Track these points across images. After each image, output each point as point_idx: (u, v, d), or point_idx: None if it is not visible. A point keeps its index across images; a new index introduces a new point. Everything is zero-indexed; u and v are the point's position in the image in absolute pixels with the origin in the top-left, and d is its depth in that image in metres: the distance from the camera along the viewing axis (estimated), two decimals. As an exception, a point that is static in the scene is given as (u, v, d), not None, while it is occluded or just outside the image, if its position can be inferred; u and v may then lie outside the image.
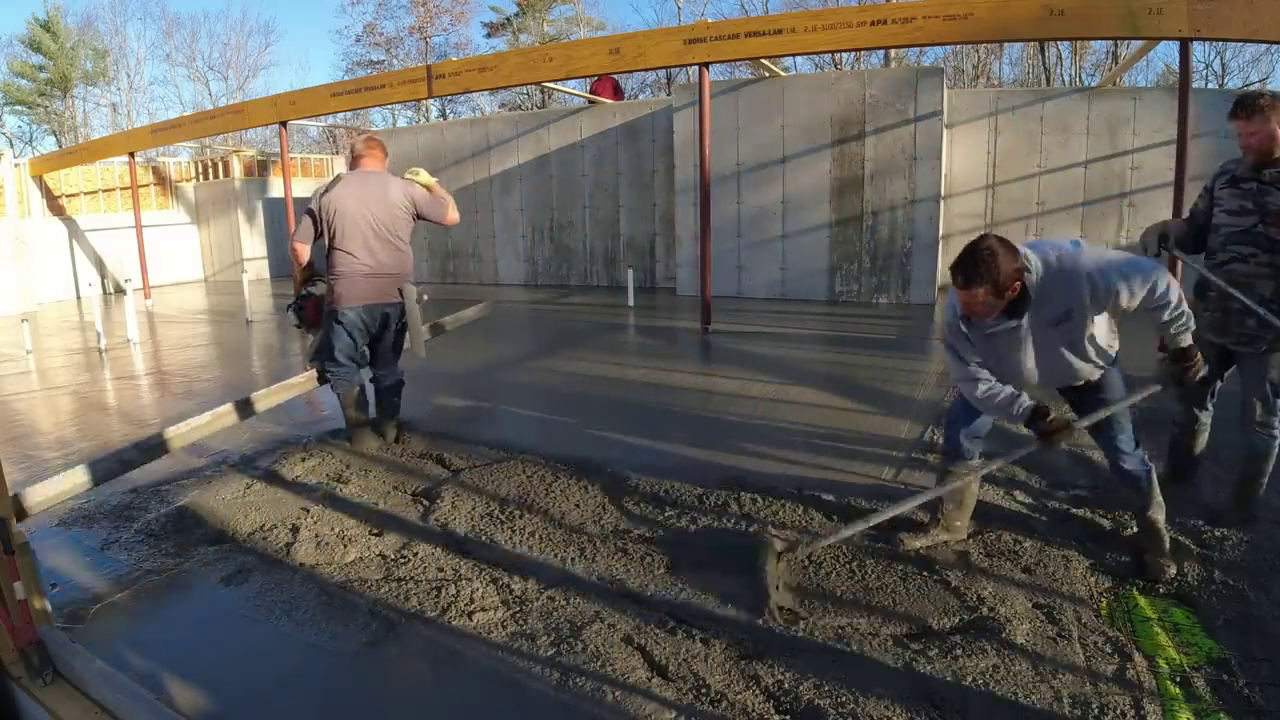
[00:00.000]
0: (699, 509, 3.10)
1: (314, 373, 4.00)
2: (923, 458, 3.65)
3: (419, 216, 3.94)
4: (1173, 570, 2.47)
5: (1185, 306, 2.29)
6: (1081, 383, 2.54)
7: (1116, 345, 2.52)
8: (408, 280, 3.93)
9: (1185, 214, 3.04)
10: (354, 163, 3.95)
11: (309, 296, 4.04)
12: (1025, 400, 2.39)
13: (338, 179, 3.82)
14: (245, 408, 3.69)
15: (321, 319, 3.94)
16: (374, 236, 3.79)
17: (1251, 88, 19.71)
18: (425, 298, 3.99)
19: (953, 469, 2.76)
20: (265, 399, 3.80)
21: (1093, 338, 2.38)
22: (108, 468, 3.02)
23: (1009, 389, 2.41)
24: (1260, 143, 2.61)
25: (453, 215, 4.05)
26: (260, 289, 12.13)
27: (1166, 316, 2.28)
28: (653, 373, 5.75)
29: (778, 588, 2.44)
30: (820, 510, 3.04)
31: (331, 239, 3.78)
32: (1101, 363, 2.46)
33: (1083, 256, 2.28)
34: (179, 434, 3.30)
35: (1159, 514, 2.54)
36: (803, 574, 2.58)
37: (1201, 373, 2.41)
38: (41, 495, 2.73)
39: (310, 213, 3.80)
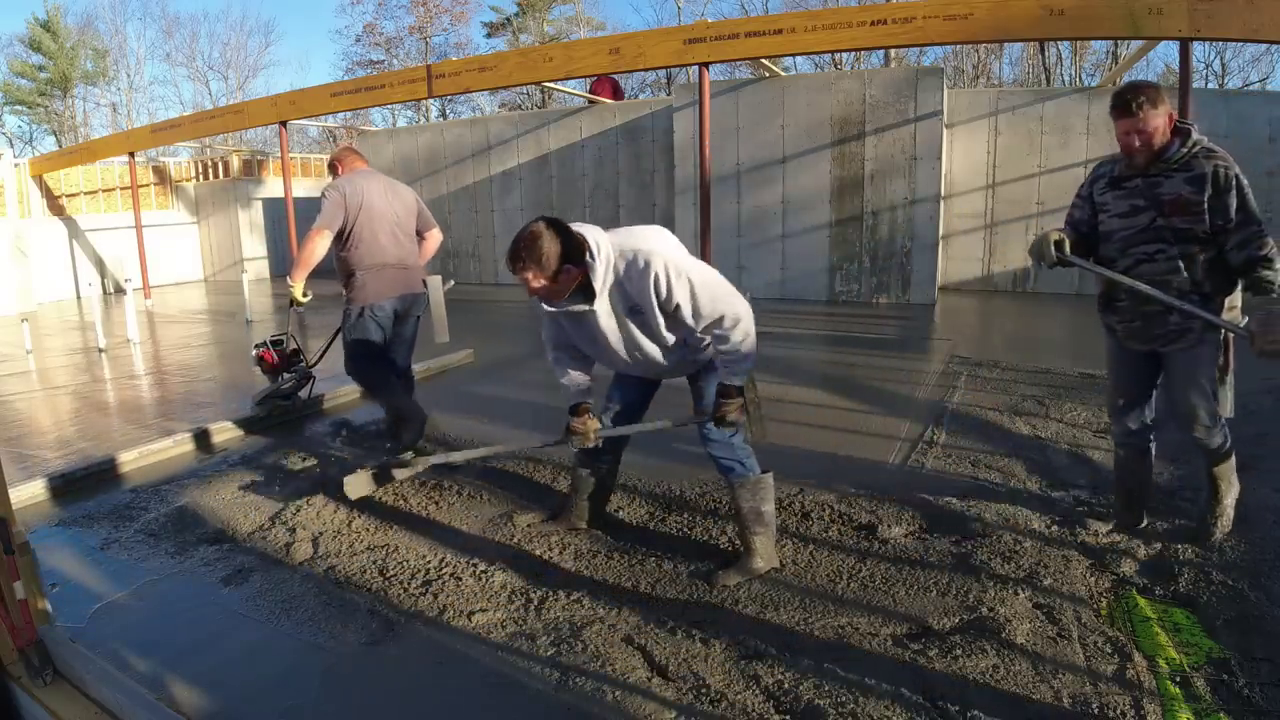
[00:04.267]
0: (699, 508, 3.10)
1: None
2: (922, 458, 3.65)
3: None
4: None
5: (746, 351, 2.31)
6: (676, 375, 2.57)
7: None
8: (423, 272, 3.91)
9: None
10: (347, 167, 3.79)
11: (275, 345, 4.03)
12: (572, 397, 2.58)
13: (350, 177, 3.68)
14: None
15: (343, 327, 3.76)
16: (399, 231, 3.75)
17: (1251, 88, 19.71)
18: (452, 283, 3.97)
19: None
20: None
21: (689, 335, 2.39)
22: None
23: (575, 378, 2.58)
24: (1151, 139, 2.39)
25: (439, 236, 4.02)
26: (260, 289, 12.13)
27: (722, 349, 2.32)
28: (653, 373, 5.74)
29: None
30: (820, 510, 3.04)
31: (357, 234, 3.62)
32: (696, 359, 2.49)
33: (666, 260, 2.22)
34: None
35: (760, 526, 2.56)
36: (803, 573, 2.58)
37: (734, 418, 2.41)
38: None
39: (335, 201, 3.57)
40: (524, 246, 2.14)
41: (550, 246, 2.14)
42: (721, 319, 2.26)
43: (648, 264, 2.19)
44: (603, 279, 2.22)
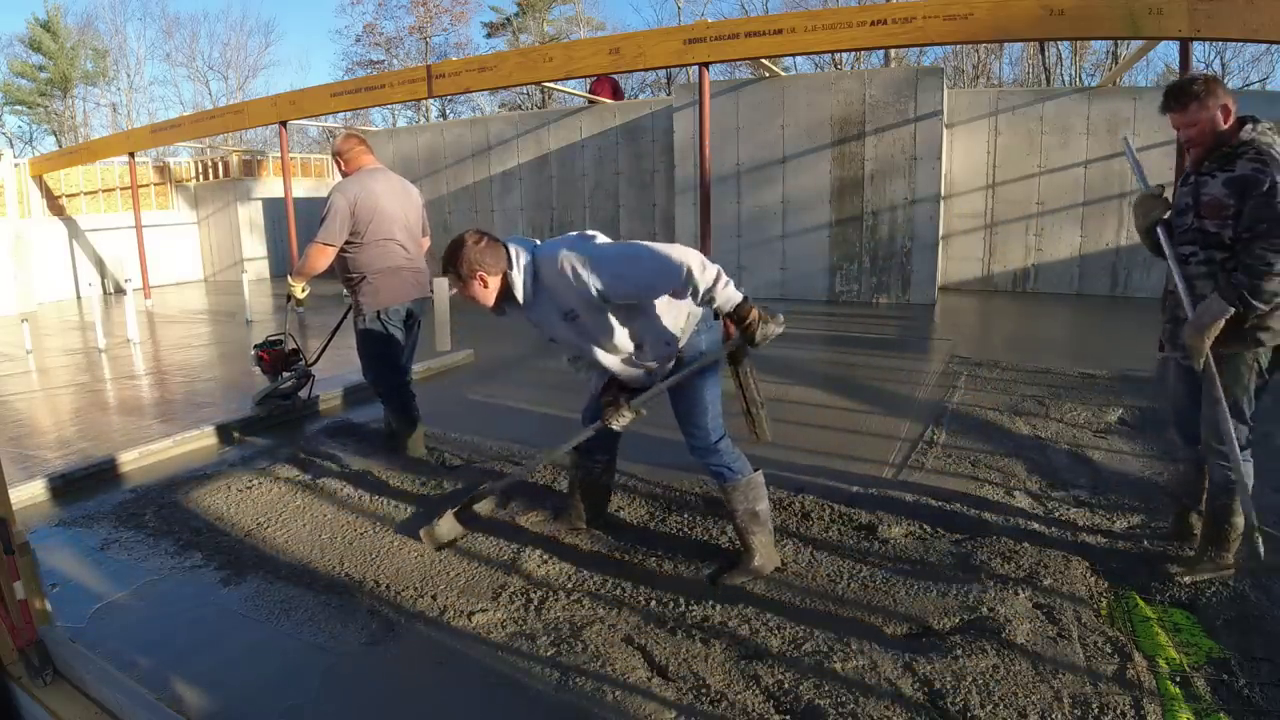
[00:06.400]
0: (699, 509, 3.10)
1: None
2: (922, 458, 3.65)
3: None
4: None
5: (714, 283, 2.17)
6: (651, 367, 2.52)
7: (689, 326, 2.47)
8: (428, 274, 3.85)
9: None
10: (353, 162, 3.69)
11: (273, 346, 4.02)
12: (593, 387, 2.68)
13: (358, 178, 3.62)
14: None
15: (359, 338, 3.71)
16: (409, 232, 3.70)
17: (1251, 88, 19.71)
18: (455, 290, 3.96)
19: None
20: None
21: (645, 329, 2.39)
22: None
23: (592, 381, 2.68)
24: (1200, 134, 2.27)
25: (427, 244, 3.95)
26: (260, 289, 12.13)
27: (700, 299, 2.22)
28: (653, 373, 5.74)
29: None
30: (820, 510, 3.04)
31: (367, 237, 3.55)
32: (656, 353, 2.46)
33: (572, 256, 2.23)
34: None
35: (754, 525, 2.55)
36: (803, 573, 2.58)
37: (761, 331, 2.22)
38: None
39: (340, 212, 3.50)
40: (446, 256, 2.33)
41: (468, 257, 2.27)
42: (663, 271, 2.20)
43: (559, 265, 2.25)
44: (521, 285, 2.31)
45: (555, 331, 2.42)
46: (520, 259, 2.30)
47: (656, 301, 2.37)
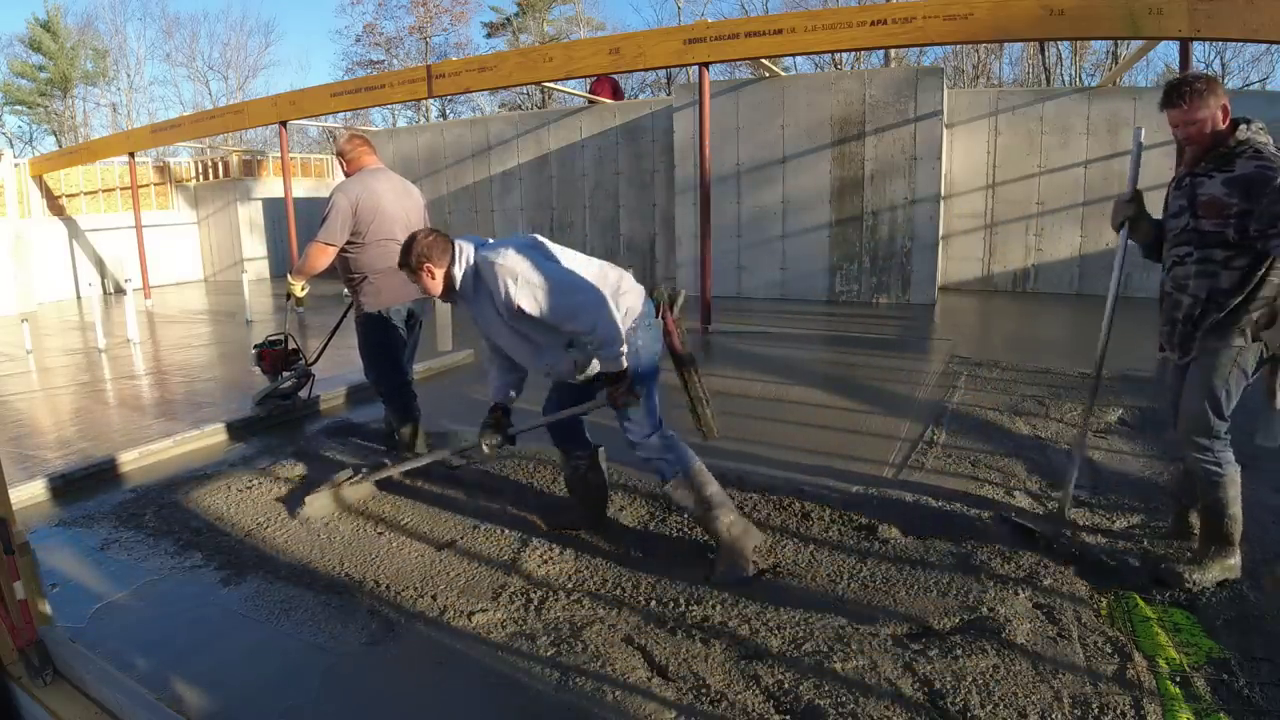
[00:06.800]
0: (699, 509, 3.10)
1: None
2: (922, 458, 3.65)
3: None
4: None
5: (605, 337, 2.40)
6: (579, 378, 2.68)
7: (626, 323, 2.55)
8: None
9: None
10: (356, 162, 3.69)
11: (273, 345, 4.01)
12: (492, 397, 2.87)
13: (360, 178, 3.61)
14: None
15: (360, 337, 3.72)
16: (410, 233, 3.70)
17: (1251, 88, 19.71)
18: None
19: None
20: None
21: (549, 340, 2.56)
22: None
23: (494, 379, 2.85)
24: (1199, 133, 2.25)
25: None
26: (260, 289, 12.13)
27: (586, 342, 2.47)
28: (653, 373, 5.74)
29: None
30: (820, 510, 3.04)
31: (369, 237, 3.54)
32: (588, 355, 2.58)
33: (512, 269, 2.41)
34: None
35: None
36: (803, 573, 2.58)
37: (627, 402, 2.52)
38: None
39: (342, 211, 3.49)
40: (400, 250, 2.60)
41: (417, 249, 2.53)
42: (574, 315, 2.42)
43: (494, 269, 2.45)
44: (460, 280, 2.55)
45: (490, 328, 2.61)
46: (463, 255, 2.53)
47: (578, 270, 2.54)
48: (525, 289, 2.40)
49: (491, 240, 2.61)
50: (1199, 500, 2.49)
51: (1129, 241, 2.62)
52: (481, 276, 2.49)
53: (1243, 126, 2.24)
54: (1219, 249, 2.26)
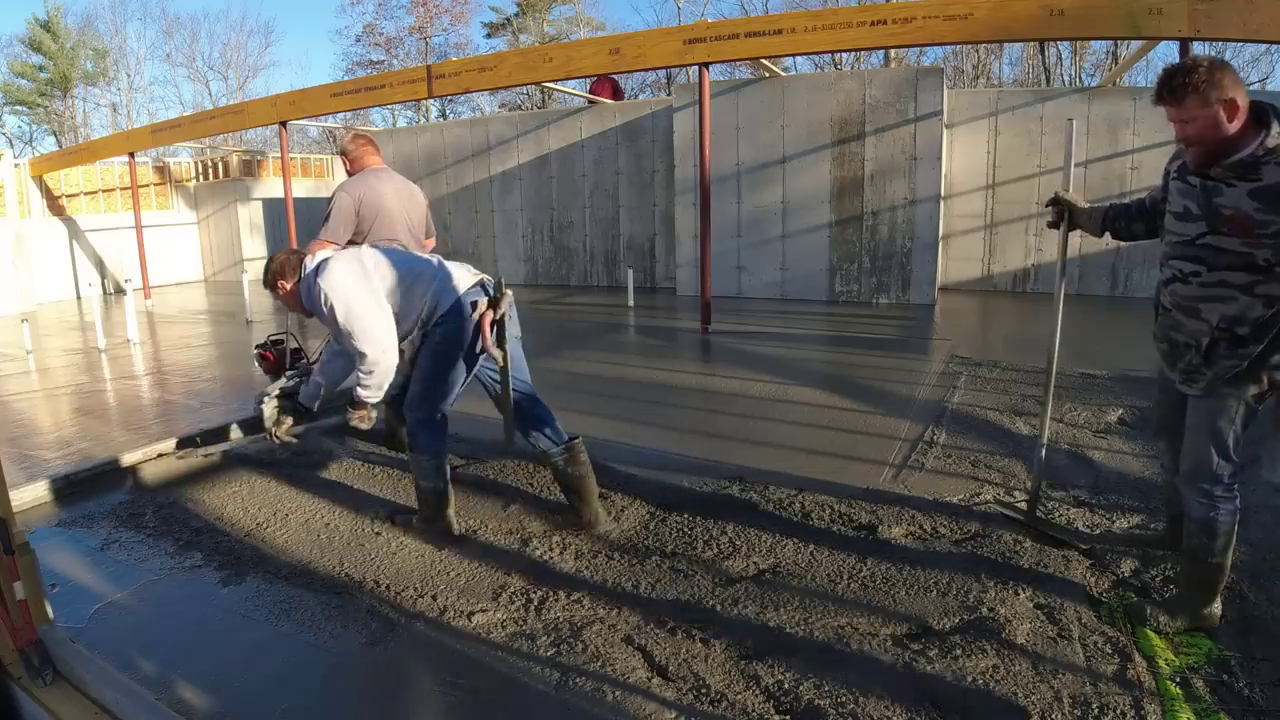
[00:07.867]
0: (699, 509, 3.10)
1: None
2: (922, 458, 3.65)
3: None
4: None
5: (369, 382, 2.73)
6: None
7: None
8: None
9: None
10: (359, 162, 3.68)
11: (275, 345, 4.01)
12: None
13: (363, 177, 3.59)
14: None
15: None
16: (412, 234, 3.67)
17: (1251, 88, 19.70)
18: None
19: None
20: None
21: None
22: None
23: (316, 374, 3.15)
24: (1199, 134, 1.90)
25: (432, 245, 3.89)
26: (260, 289, 12.11)
27: (358, 370, 2.75)
28: (653, 372, 5.75)
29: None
30: (820, 510, 3.04)
31: (371, 237, 3.49)
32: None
33: (321, 281, 2.66)
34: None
35: None
36: (803, 573, 2.58)
37: (354, 423, 2.89)
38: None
39: (345, 209, 3.48)
40: (264, 268, 2.87)
41: (273, 266, 2.81)
42: (357, 345, 2.68)
43: (313, 279, 2.70)
44: (299, 293, 2.79)
45: (331, 330, 2.81)
46: (304, 271, 2.77)
47: (384, 312, 2.74)
48: (324, 300, 2.65)
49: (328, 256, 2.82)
50: (1186, 540, 2.23)
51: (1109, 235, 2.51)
52: (311, 292, 2.73)
53: (1277, 129, 1.86)
54: (1242, 272, 1.91)
